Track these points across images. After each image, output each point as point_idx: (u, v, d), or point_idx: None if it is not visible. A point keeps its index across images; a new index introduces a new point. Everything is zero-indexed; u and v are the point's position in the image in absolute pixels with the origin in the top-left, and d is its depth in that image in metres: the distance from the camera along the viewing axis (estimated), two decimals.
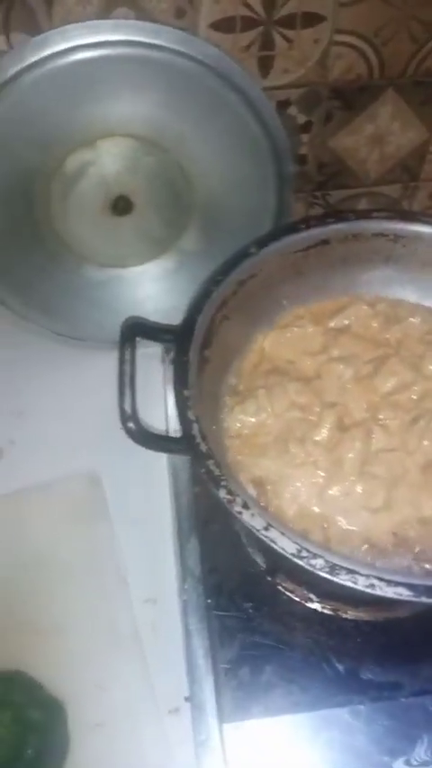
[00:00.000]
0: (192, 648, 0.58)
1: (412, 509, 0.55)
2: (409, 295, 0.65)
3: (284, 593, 0.60)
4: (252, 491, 0.55)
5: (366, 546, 0.54)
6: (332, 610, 0.60)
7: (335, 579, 0.44)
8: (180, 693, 0.57)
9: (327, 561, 0.44)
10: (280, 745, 0.55)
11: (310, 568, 0.44)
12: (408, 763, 0.55)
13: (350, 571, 0.44)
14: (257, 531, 0.45)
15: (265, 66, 0.61)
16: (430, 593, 0.44)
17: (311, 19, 0.58)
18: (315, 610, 0.60)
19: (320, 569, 0.44)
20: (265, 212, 0.67)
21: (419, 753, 0.55)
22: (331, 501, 0.55)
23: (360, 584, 0.44)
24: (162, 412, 0.67)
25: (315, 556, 0.44)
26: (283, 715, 0.56)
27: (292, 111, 0.65)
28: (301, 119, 0.65)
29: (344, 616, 0.60)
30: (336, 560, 0.44)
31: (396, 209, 0.69)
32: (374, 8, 0.58)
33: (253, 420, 0.58)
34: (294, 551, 0.44)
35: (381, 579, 0.44)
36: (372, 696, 0.57)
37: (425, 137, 0.69)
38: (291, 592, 0.60)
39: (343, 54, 0.61)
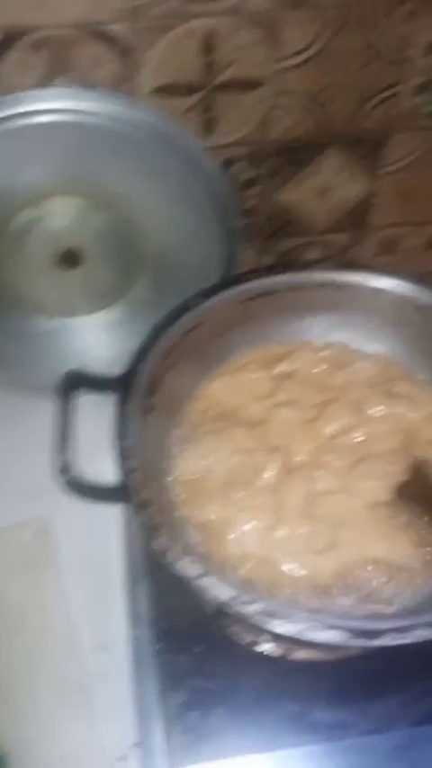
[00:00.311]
0: (141, 693, 0.58)
1: (357, 550, 0.56)
2: (356, 340, 0.67)
3: (233, 636, 0.61)
4: (198, 537, 0.56)
5: (312, 588, 0.55)
6: (281, 652, 0.61)
7: (268, 625, 0.45)
8: (129, 740, 0.57)
9: (261, 607, 0.45)
10: None
11: (244, 615, 0.45)
12: None
13: (284, 616, 0.45)
14: (191, 579, 0.46)
15: (207, 127, 0.64)
16: (364, 636, 0.45)
17: (251, 84, 0.61)
18: (263, 652, 0.61)
19: (254, 615, 0.45)
20: (215, 263, 0.69)
21: None
22: (277, 544, 0.56)
23: (294, 630, 0.45)
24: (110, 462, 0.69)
25: (249, 602, 0.46)
26: (234, 757, 0.57)
27: (238, 167, 0.67)
28: (248, 175, 0.68)
29: (293, 657, 0.61)
30: (271, 606, 0.45)
31: (338, 261, 0.72)
32: (311, 74, 0.61)
33: (199, 466, 0.59)
34: (229, 598, 0.46)
35: (315, 623, 0.45)
36: (323, 737, 0.58)
37: (369, 189, 0.72)
38: (239, 636, 0.61)
39: (284, 115, 0.64)
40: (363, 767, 0.57)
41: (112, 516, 0.65)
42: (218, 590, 0.46)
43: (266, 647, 0.61)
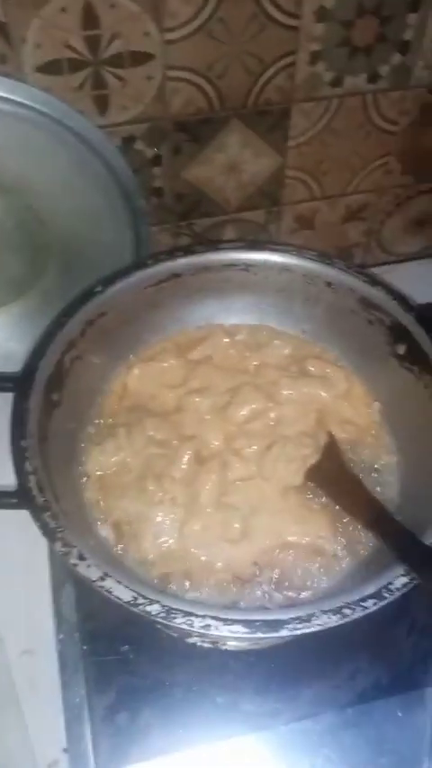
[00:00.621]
0: (68, 698, 0.57)
1: (273, 536, 0.55)
2: (269, 321, 0.65)
3: (162, 631, 0.60)
4: (111, 535, 0.54)
5: (230, 578, 0.54)
6: (211, 642, 0.59)
7: (171, 624, 0.43)
8: (59, 745, 0.56)
9: (163, 606, 0.44)
10: None
11: (147, 615, 0.44)
12: None
13: (186, 614, 0.44)
14: (92, 582, 0.44)
15: (101, 104, 0.61)
16: (267, 628, 0.44)
17: (139, 57, 0.58)
18: (194, 644, 0.60)
19: (156, 615, 0.44)
20: (124, 247, 0.67)
21: None
22: (191, 536, 0.54)
23: (196, 626, 0.44)
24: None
25: (151, 602, 0.44)
26: (163, 756, 0.56)
27: (139, 145, 0.65)
28: (149, 153, 0.66)
29: (224, 648, 0.60)
30: (171, 604, 0.44)
31: (245, 240, 0.70)
32: (202, 44, 0.58)
33: (113, 460, 0.57)
34: (130, 599, 0.44)
35: (217, 619, 0.44)
36: (252, 726, 0.57)
37: (278, 162, 0.70)
38: (168, 629, 0.60)
39: (180, 89, 0.61)
40: (295, 753, 0.56)
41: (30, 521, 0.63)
42: (119, 591, 0.44)
43: (196, 639, 0.60)
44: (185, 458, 0.56)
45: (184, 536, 0.54)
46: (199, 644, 0.60)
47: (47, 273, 0.69)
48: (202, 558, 0.54)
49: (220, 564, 0.54)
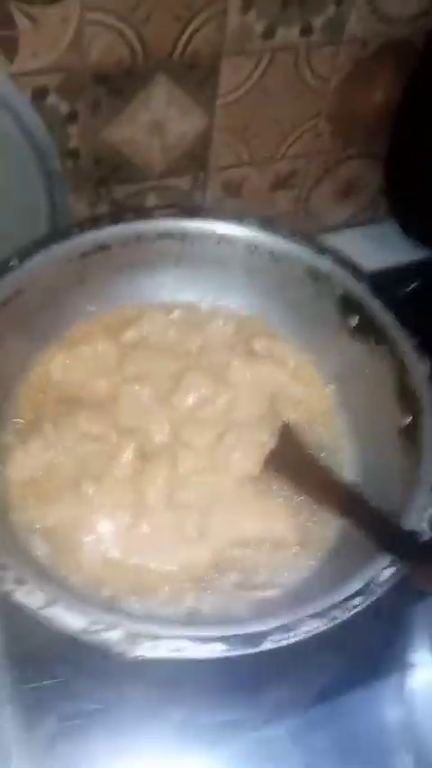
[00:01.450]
0: None
1: (231, 533, 0.50)
2: (207, 296, 0.60)
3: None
4: (44, 547, 0.47)
5: (188, 584, 0.48)
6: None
7: (135, 652, 0.37)
8: None
9: (121, 634, 0.38)
10: None
11: (106, 646, 0.37)
12: None
13: (153, 637, 0.38)
14: (37, 611, 0.37)
15: (8, 49, 0.52)
16: (247, 643, 0.39)
17: None
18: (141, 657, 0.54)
19: (117, 644, 0.37)
20: (38, 215, 0.59)
21: None
22: (140, 543, 0.48)
23: (166, 652, 0.38)
24: None
25: (106, 629, 0.38)
26: None
27: (53, 100, 0.57)
28: (65, 108, 0.58)
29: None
30: (134, 629, 0.38)
31: (180, 206, 0.63)
32: None
33: (41, 461, 0.50)
34: (84, 626, 0.38)
35: (190, 639, 0.38)
36: (214, 740, 0.52)
37: (206, 122, 0.64)
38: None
39: (99, 34, 0.54)
40: (264, 764, 0.52)
41: None
42: (67, 619, 0.38)
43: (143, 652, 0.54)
44: (127, 453, 0.50)
45: (131, 543, 0.48)
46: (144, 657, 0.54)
47: None
48: (154, 565, 0.48)
49: (174, 569, 0.48)
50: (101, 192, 0.66)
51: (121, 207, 0.67)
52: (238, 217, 0.55)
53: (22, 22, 0.51)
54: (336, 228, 0.81)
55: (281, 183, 0.73)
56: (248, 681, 0.54)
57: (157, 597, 0.47)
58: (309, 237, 0.56)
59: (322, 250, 0.55)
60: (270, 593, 0.49)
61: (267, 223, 0.56)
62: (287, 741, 0.53)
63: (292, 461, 0.52)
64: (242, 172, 0.70)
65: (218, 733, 0.52)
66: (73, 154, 0.61)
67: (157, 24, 0.55)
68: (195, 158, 0.67)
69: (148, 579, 0.48)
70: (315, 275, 0.55)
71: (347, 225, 0.82)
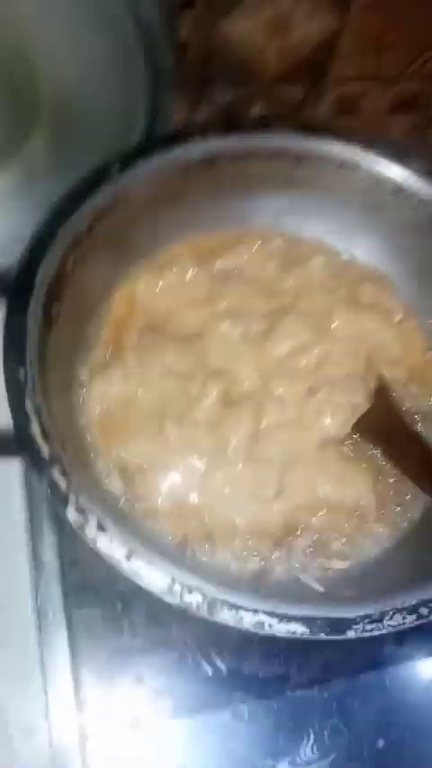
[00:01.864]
0: (48, 658, 0.49)
1: (309, 493, 0.47)
2: (311, 229, 0.54)
3: None
4: (118, 483, 0.45)
5: (260, 541, 0.46)
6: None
7: (215, 620, 0.35)
8: (36, 712, 0.48)
9: (205, 597, 0.35)
10: (152, 758, 0.49)
11: (185, 607, 0.35)
12: (293, 763, 0.50)
13: (234, 607, 0.35)
14: (118, 562, 0.35)
15: None
16: (330, 629, 0.36)
17: None
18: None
19: (198, 609, 0.35)
20: (135, 115, 0.52)
21: (305, 751, 0.51)
22: (215, 492, 0.46)
23: (246, 623, 0.35)
24: None
25: (191, 590, 0.35)
26: (157, 724, 0.50)
27: None
28: None
29: None
30: (216, 594, 0.35)
31: (299, 121, 0.56)
32: None
33: (119, 392, 0.46)
34: (165, 587, 0.35)
35: (272, 615, 0.35)
36: (255, 693, 0.51)
37: (335, 26, 0.56)
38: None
39: None
40: (298, 724, 0.51)
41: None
42: (149, 576, 0.35)
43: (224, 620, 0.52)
44: (211, 397, 0.46)
45: (205, 489, 0.45)
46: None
47: (32, 140, 0.54)
48: (225, 516, 0.45)
49: (247, 524, 0.45)
50: (205, 94, 0.59)
51: (224, 113, 0.60)
52: (368, 141, 0.49)
53: None
54: None
55: (402, 105, 0.65)
56: (298, 643, 0.53)
57: (228, 549, 0.45)
58: None
59: None
60: (342, 564, 0.46)
61: (401, 154, 0.49)
62: (328, 703, 0.52)
63: (385, 425, 0.48)
64: (363, 87, 0.62)
65: (261, 686, 0.51)
66: (181, 48, 0.54)
67: None
68: (315, 66, 0.59)
69: (221, 530, 0.45)
70: None
71: None
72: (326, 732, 0.51)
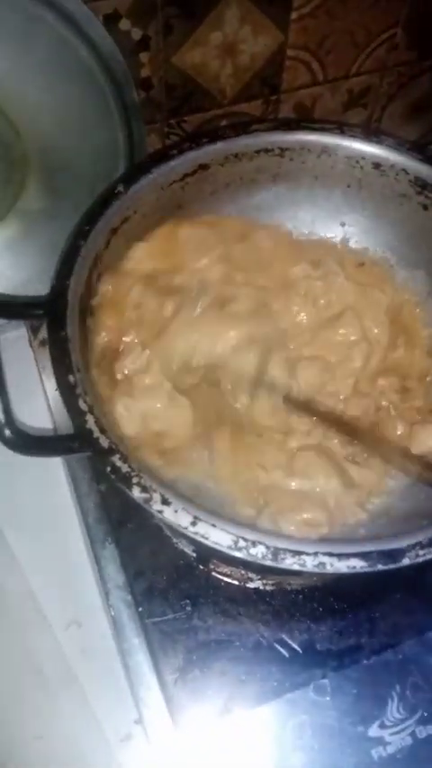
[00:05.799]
0: (131, 666, 0.50)
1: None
2: (304, 215, 0.58)
3: (221, 579, 0.54)
4: (157, 462, 0.47)
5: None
6: (274, 584, 0.54)
7: (280, 566, 0.37)
8: (129, 718, 0.50)
9: (268, 547, 0.37)
10: (246, 743, 0.50)
11: (252, 559, 0.37)
12: (382, 725, 0.51)
13: (296, 553, 0.37)
14: (185, 528, 0.37)
15: None
16: (385, 559, 0.38)
17: None
18: (257, 589, 0.54)
19: (263, 558, 0.37)
20: (115, 151, 0.57)
21: (392, 712, 0.51)
22: None
23: (309, 566, 0.37)
24: (43, 405, 0.57)
25: (254, 543, 0.37)
26: (244, 711, 0.51)
27: (124, 25, 0.54)
28: (137, 34, 0.55)
29: (289, 588, 0.54)
30: (278, 543, 0.38)
31: (276, 119, 0.61)
32: None
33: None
34: (231, 543, 0.37)
35: (331, 555, 0.38)
36: (333, 666, 0.52)
37: (280, 40, 0.61)
38: (227, 576, 0.54)
39: None
40: (380, 688, 0.52)
41: (58, 471, 0.55)
42: (217, 535, 0.37)
43: (258, 584, 0.54)
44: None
45: None
46: (262, 588, 0.54)
47: (26, 192, 0.58)
48: None
49: None
50: (172, 122, 0.64)
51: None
52: (339, 126, 0.53)
53: None
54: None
55: (354, 103, 0.70)
56: (362, 608, 0.54)
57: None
58: (417, 147, 0.53)
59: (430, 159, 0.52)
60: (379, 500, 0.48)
61: (371, 132, 0.53)
62: (404, 664, 0.53)
63: None
64: (315, 91, 0.67)
65: (336, 659, 0.53)
66: (145, 83, 0.59)
67: None
68: (267, 80, 0.64)
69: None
70: (422, 185, 0.52)
71: (419, 144, 0.78)
72: (408, 691, 0.52)
